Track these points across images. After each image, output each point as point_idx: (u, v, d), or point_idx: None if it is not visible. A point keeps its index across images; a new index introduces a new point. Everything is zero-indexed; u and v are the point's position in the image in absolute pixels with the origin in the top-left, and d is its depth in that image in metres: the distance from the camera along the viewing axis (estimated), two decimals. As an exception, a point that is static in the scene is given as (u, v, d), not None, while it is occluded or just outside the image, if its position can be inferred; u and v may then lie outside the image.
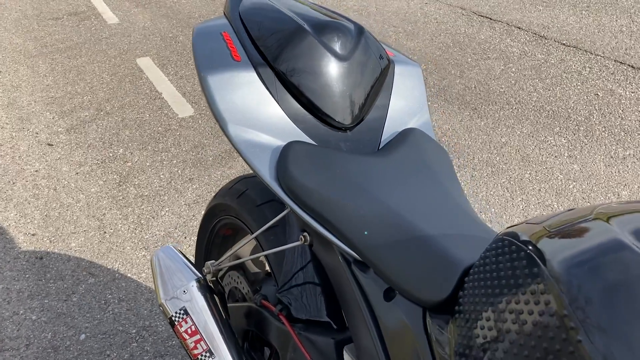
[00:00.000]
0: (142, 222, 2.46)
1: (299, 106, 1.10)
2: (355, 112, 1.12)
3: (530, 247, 0.66)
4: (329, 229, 0.97)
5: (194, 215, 2.51)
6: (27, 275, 2.16)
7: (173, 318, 1.20)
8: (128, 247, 2.32)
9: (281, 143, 1.06)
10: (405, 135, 1.11)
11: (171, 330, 1.22)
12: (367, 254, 0.91)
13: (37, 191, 2.65)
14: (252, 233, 1.34)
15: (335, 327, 1.11)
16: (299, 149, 1.03)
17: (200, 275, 1.25)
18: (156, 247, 2.32)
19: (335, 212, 0.95)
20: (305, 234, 1.07)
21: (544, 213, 2.56)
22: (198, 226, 2.45)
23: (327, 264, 1.04)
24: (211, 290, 1.24)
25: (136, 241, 2.35)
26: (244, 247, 1.57)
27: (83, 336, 1.92)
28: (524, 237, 0.69)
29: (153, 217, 2.49)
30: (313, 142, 1.08)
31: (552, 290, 0.58)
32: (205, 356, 1.17)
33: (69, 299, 2.06)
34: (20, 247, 2.30)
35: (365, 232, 0.91)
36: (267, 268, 1.58)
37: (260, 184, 1.38)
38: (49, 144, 3.04)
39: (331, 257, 1.01)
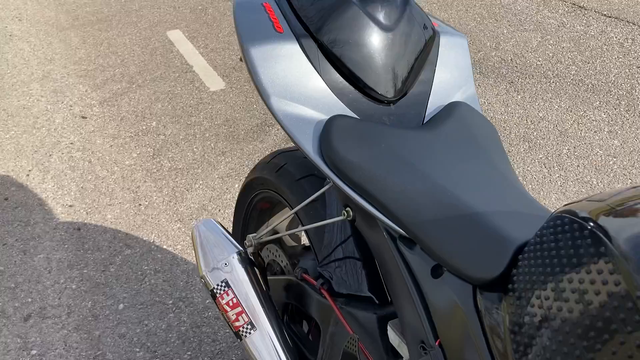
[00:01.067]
0: (176, 194, 2.49)
1: (342, 79, 1.08)
2: (399, 85, 1.09)
3: (592, 225, 0.64)
4: (374, 204, 0.95)
5: (227, 189, 2.52)
6: (66, 246, 2.20)
7: (214, 290, 1.21)
8: (163, 220, 2.34)
9: (324, 117, 1.04)
10: (451, 109, 1.09)
11: (212, 301, 1.23)
12: (415, 230, 0.89)
13: (72, 163, 2.69)
14: (291, 207, 1.33)
15: (377, 302, 1.11)
16: (342, 122, 1.02)
17: (241, 248, 1.25)
18: (191, 219, 2.35)
19: (380, 188, 0.94)
20: (348, 209, 1.06)
21: (584, 190, 2.51)
22: (234, 199, 2.47)
23: (370, 239, 1.03)
24: (252, 263, 1.25)
25: (171, 213, 2.38)
26: (282, 222, 1.57)
27: (121, 306, 1.95)
28: (584, 214, 0.66)
29: (187, 190, 2.51)
30: (356, 116, 1.06)
31: (622, 269, 0.56)
32: (247, 328, 1.18)
33: (107, 269, 2.10)
34: (58, 218, 2.34)
35: (414, 208, 0.89)
36: (306, 242, 1.58)
37: (300, 159, 1.37)
38: (82, 117, 3.07)
39: (375, 233, 1.00)
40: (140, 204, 2.43)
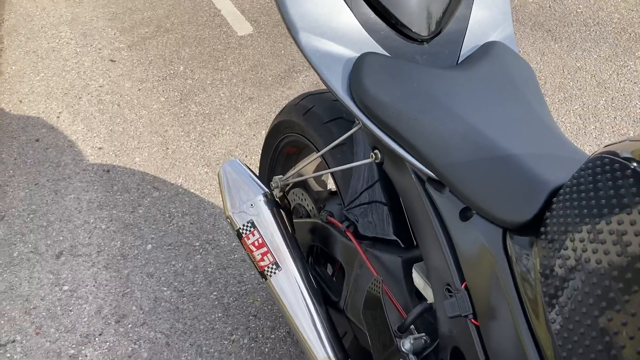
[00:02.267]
0: (203, 139, 2.49)
1: (374, 15, 1.04)
2: (434, 22, 1.05)
3: (635, 164, 0.60)
4: (404, 146, 0.93)
5: (254, 135, 2.51)
6: (95, 187, 2.24)
7: (240, 230, 1.22)
8: (190, 164, 2.35)
9: (354, 54, 1.01)
10: (487, 49, 1.04)
11: (238, 242, 1.23)
12: (445, 172, 0.87)
13: (102, 106, 2.70)
14: (318, 151, 1.31)
15: (402, 245, 1.09)
16: (373, 60, 0.98)
17: (267, 190, 1.25)
18: (218, 164, 2.35)
19: (411, 129, 0.91)
20: (376, 151, 1.03)
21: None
22: (261, 144, 2.46)
23: (397, 182, 1.01)
24: (277, 205, 1.24)
25: (198, 158, 2.38)
26: (308, 165, 1.56)
27: (149, 246, 1.99)
28: (626, 155, 0.63)
29: (214, 135, 2.51)
30: (387, 54, 1.02)
31: (665, 210, 0.53)
32: (272, 268, 1.19)
33: (135, 210, 2.13)
34: (88, 160, 2.37)
35: (445, 150, 0.87)
36: (331, 186, 1.57)
37: (328, 101, 1.34)
38: (111, 60, 3.07)
39: (403, 176, 0.98)
40: (167, 148, 2.44)
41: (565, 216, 0.68)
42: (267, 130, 1.56)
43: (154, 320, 1.75)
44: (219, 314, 1.76)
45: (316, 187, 1.60)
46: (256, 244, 1.20)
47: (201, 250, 1.97)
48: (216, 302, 1.80)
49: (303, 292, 1.18)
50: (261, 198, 1.22)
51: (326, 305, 1.20)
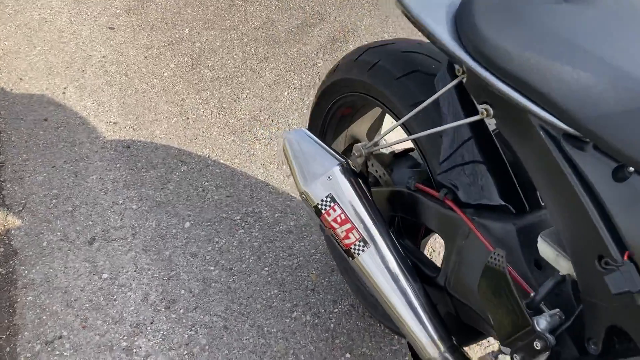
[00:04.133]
0: (224, 105, 2.34)
1: None
2: None
3: None
4: (533, 98, 0.80)
5: (276, 97, 2.37)
6: (117, 165, 2.10)
7: (319, 206, 1.10)
8: (215, 133, 2.21)
9: None
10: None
11: (317, 219, 1.12)
12: (592, 126, 0.75)
13: (108, 78, 2.52)
14: (389, 109, 1.19)
15: (513, 211, 0.98)
16: None
17: (343, 159, 1.12)
18: (243, 132, 2.21)
19: (544, 77, 0.78)
20: (486, 105, 0.91)
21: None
22: (286, 108, 2.32)
23: (516, 140, 0.89)
24: (356, 175, 1.12)
25: (222, 126, 2.24)
26: (370, 126, 1.43)
27: (188, 224, 1.87)
28: None
29: (235, 101, 2.36)
30: None
31: None
32: (360, 245, 1.08)
33: (165, 187, 2.00)
34: (104, 137, 2.22)
35: (590, 99, 0.74)
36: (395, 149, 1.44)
37: (396, 53, 1.20)
38: (110, 28, 2.87)
39: (526, 133, 0.86)
40: (187, 118, 2.29)
41: None
42: (318, 90, 1.42)
43: (207, 302, 1.65)
44: (275, 291, 1.66)
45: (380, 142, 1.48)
46: (339, 220, 1.08)
47: (243, 224, 1.86)
48: (269, 279, 1.70)
49: (396, 270, 1.07)
50: (338, 169, 1.10)
51: (421, 281, 1.10)
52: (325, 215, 1.09)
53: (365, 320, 1.58)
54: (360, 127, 1.48)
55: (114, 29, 2.86)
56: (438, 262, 1.31)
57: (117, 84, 2.49)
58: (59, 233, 1.86)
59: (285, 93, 2.39)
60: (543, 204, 1.00)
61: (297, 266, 1.72)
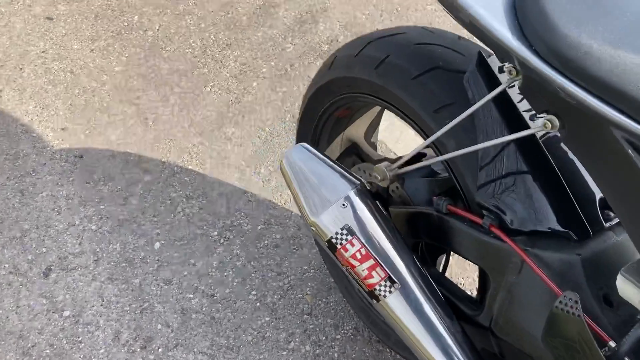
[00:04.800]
0: (186, 102, 2.09)
1: None
2: None
3: None
4: (625, 108, 0.62)
5: (245, 89, 2.13)
6: (70, 178, 1.84)
7: (333, 240, 0.90)
8: (179, 134, 1.97)
9: None
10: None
11: (332, 255, 0.92)
12: None
13: (51, 76, 2.23)
14: (405, 115, 0.99)
15: (575, 238, 0.81)
16: (554, -16, 0.65)
17: (358, 180, 0.93)
18: (212, 130, 1.98)
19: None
20: (551, 116, 0.72)
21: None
22: (258, 102, 2.09)
23: (590, 158, 0.71)
24: (374, 198, 0.93)
25: (186, 126, 2.00)
26: (367, 127, 1.24)
27: (157, 245, 1.64)
28: None
29: (198, 96, 2.12)
30: None
31: None
32: (386, 286, 0.89)
33: (128, 202, 1.76)
34: (52, 146, 1.95)
35: None
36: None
37: (408, 46, 1.00)
38: (48, 18, 2.55)
39: (605, 149, 0.68)
40: (146, 118, 2.03)
41: None
42: (309, 91, 1.21)
43: (189, 338, 1.44)
44: (266, 319, 1.47)
45: (375, 155, 1.29)
46: (358, 255, 0.89)
47: (222, 241, 1.64)
48: (258, 304, 1.50)
49: (430, 312, 0.89)
50: (354, 192, 0.90)
51: (459, 321, 0.92)
52: (342, 250, 0.90)
53: (373, 346, 1.41)
54: (357, 129, 1.28)
55: (52, 19, 2.54)
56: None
57: (62, 82, 2.20)
58: (7, 265, 1.61)
59: (255, 84, 2.16)
60: (607, 225, 0.84)
61: (289, 287, 1.53)
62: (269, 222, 1.69)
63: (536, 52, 0.66)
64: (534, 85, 0.72)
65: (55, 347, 1.44)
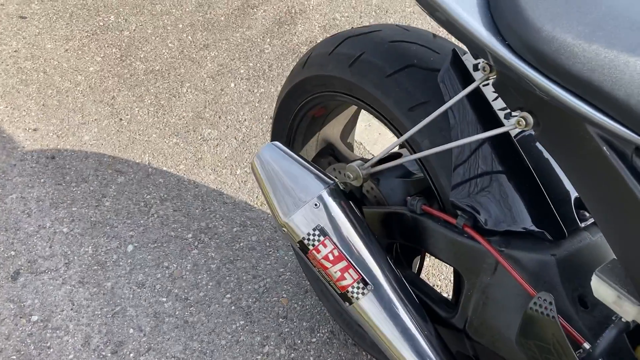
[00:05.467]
0: (162, 102, 2.06)
1: None
2: None
3: None
4: (599, 104, 0.61)
5: (222, 90, 2.11)
6: (41, 180, 1.79)
7: (305, 241, 0.88)
8: (154, 135, 1.94)
9: None
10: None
11: (303, 256, 0.90)
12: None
13: (23, 76, 2.18)
14: (379, 114, 0.98)
15: (550, 238, 0.80)
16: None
17: (331, 180, 0.91)
18: (187, 132, 1.95)
19: (618, 77, 0.59)
20: (525, 113, 0.71)
21: None
22: (234, 103, 2.07)
23: (565, 156, 0.70)
24: (348, 198, 0.91)
25: (161, 127, 1.97)
26: (342, 127, 1.22)
27: (130, 247, 1.61)
28: None
29: (174, 96, 2.08)
30: None
31: None
32: (359, 288, 0.87)
33: (101, 203, 1.72)
34: (23, 147, 1.90)
35: None
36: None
37: (382, 44, 0.99)
38: (21, 17, 2.49)
39: (581, 147, 0.67)
40: (121, 119, 2.00)
41: None
42: (284, 90, 1.19)
43: (161, 342, 1.40)
44: (241, 322, 1.44)
45: (351, 156, 1.27)
46: (331, 257, 0.87)
47: (197, 243, 1.61)
48: (233, 308, 1.47)
49: (404, 314, 0.88)
50: (326, 192, 0.88)
51: (433, 323, 0.91)
52: (314, 252, 0.88)
53: (349, 349, 1.39)
54: (333, 128, 1.27)
55: (25, 18, 2.49)
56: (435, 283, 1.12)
57: (35, 82, 2.15)
58: (-27, 269, 1.56)
59: (232, 85, 2.14)
60: (582, 224, 0.83)
61: (265, 290, 1.50)
62: (245, 224, 1.66)
63: (510, 47, 0.65)
64: (507, 82, 0.71)
65: (22, 352, 1.39)
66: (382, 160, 0.94)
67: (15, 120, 1.99)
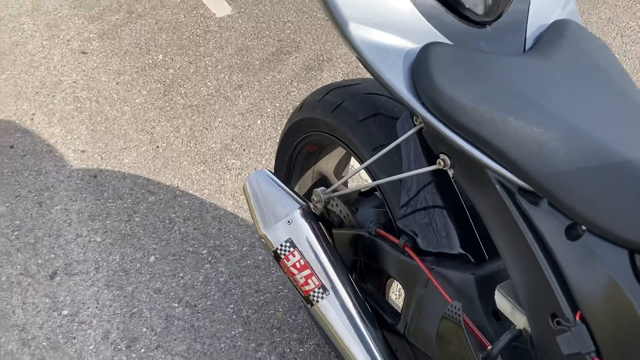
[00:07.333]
0: (195, 134, 2.31)
1: None
2: (496, 1, 0.90)
3: None
4: (488, 152, 0.79)
5: (249, 126, 2.34)
6: (83, 195, 2.05)
7: (278, 251, 1.07)
8: (185, 162, 2.18)
9: (413, 45, 0.86)
10: (558, 29, 0.90)
11: (276, 264, 1.09)
12: (545, 182, 0.73)
13: (78, 104, 2.48)
14: (353, 152, 1.17)
15: (472, 260, 0.97)
16: (440, 52, 0.83)
17: (304, 203, 1.10)
18: (214, 161, 2.18)
19: (499, 132, 0.77)
20: (444, 156, 0.89)
21: None
22: (258, 137, 2.30)
23: (473, 192, 0.87)
24: (317, 219, 1.10)
25: (192, 155, 2.21)
26: (336, 163, 1.41)
27: (152, 258, 1.83)
28: None
29: (206, 129, 2.33)
30: (449, 42, 0.88)
31: None
32: (319, 292, 1.05)
33: (131, 219, 1.96)
34: (71, 165, 2.17)
35: (544, 156, 0.73)
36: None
37: (360, 95, 1.19)
38: (82, 52, 2.83)
39: (482, 185, 0.84)
40: (157, 146, 2.25)
41: None
42: (284, 128, 1.40)
43: (169, 342, 1.60)
44: (240, 329, 1.62)
45: (341, 188, 1.46)
46: (298, 265, 1.06)
47: (210, 259, 1.82)
48: (234, 316, 1.66)
49: (356, 318, 1.05)
50: (299, 212, 1.08)
51: (381, 328, 1.07)
52: (285, 260, 1.07)
53: (332, 360, 1.55)
54: (327, 164, 1.46)
55: (86, 53, 2.82)
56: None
57: (87, 110, 2.45)
58: (19, 267, 1.81)
59: (259, 122, 2.37)
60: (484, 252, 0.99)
61: (264, 303, 1.69)
62: (254, 245, 1.86)
63: (424, 105, 0.83)
64: (429, 131, 0.89)
65: (51, 340, 1.61)
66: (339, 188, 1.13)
67: (67, 142, 2.28)
